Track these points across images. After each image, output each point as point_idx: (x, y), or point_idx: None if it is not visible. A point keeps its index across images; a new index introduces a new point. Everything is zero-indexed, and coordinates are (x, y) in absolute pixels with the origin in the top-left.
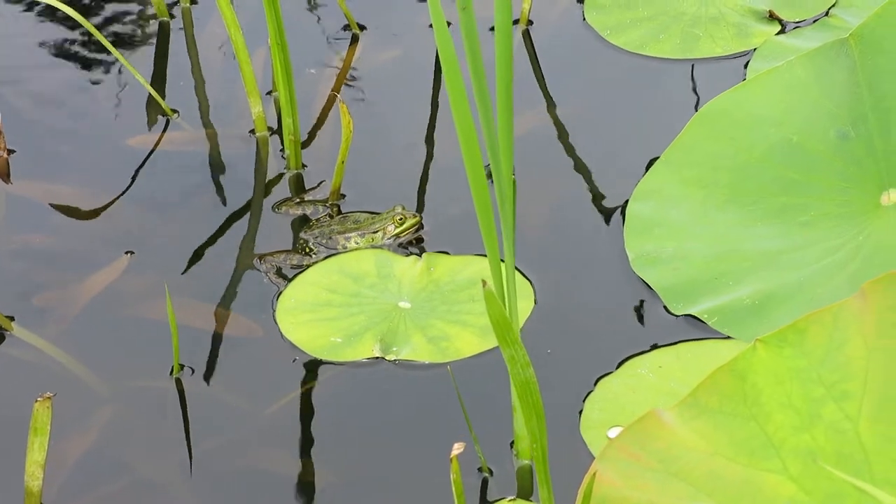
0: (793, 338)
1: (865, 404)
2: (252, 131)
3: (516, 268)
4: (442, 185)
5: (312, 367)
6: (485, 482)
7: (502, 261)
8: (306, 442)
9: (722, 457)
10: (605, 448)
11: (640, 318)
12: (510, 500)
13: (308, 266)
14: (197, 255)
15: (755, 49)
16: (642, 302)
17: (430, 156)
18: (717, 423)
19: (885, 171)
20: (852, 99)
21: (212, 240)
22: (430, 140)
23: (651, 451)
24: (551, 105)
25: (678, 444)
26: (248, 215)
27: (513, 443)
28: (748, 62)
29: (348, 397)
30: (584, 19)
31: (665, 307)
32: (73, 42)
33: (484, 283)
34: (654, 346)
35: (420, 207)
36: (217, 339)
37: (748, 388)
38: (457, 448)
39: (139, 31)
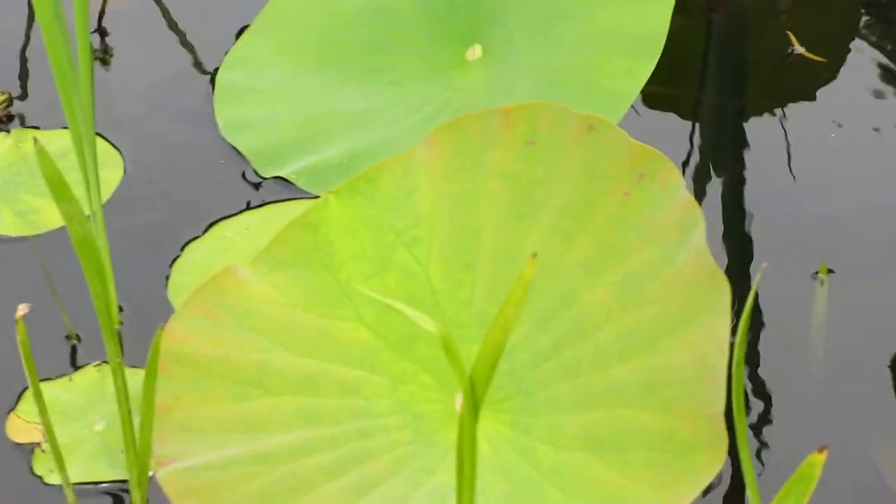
0: (364, 187)
1: (434, 248)
2: None
3: (106, 138)
4: (37, 62)
5: None
6: (74, 348)
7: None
8: None
9: (297, 308)
10: (179, 307)
11: (230, 183)
12: (96, 365)
13: None
14: None
15: None
16: (232, 167)
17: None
18: (291, 275)
19: (469, 27)
20: None
21: None
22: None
23: (226, 307)
24: None
25: (253, 297)
26: None
27: None
28: None
29: None
30: None
31: (255, 170)
32: None
33: (35, 140)
34: (243, 210)
35: (9, 83)
36: None
37: (321, 240)
38: (22, 309)
39: None
